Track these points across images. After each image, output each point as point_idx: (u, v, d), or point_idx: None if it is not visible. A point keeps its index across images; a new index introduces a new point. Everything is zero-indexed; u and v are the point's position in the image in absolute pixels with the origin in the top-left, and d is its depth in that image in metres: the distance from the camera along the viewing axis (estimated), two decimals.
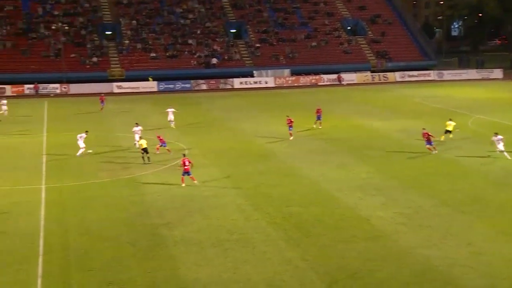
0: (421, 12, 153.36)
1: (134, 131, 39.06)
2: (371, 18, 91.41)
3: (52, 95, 70.08)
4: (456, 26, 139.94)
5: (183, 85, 74.94)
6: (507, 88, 71.65)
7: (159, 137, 37.70)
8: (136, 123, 39.79)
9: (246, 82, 77.23)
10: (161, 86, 74.14)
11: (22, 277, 20.13)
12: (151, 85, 74.17)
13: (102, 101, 56.93)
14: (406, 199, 28.12)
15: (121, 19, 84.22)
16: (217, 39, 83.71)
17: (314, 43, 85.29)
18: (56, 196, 29.33)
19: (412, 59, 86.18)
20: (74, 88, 71.85)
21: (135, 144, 38.24)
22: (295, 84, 77.97)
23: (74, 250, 22.44)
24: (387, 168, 33.84)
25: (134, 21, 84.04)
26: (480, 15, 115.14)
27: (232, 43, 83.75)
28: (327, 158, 36.52)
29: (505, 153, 34.70)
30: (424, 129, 37.57)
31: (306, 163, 35.20)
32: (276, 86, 76.89)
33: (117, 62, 78.19)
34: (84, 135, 37.70)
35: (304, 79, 78.86)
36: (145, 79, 74.72)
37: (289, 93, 71.00)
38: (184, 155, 31.47)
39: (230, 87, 76.06)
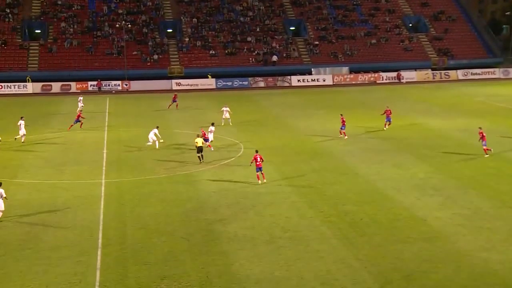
0: (488, 8, 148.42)
1: (210, 130, 39.23)
2: (434, 15, 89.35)
3: (114, 92, 71.82)
4: None
5: (240, 83, 75.47)
6: None
7: (203, 131, 37.97)
8: (212, 123, 40.32)
9: (303, 79, 77.04)
10: (219, 83, 74.92)
11: (81, 269, 20.76)
12: (209, 82, 75.07)
13: (174, 99, 57.02)
14: (465, 200, 27.40)
15: (182, 17, 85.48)
16: (276, 37, 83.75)
17: (373, 41, 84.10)
18: (115, 190, 30.09)
19: (476, 57, 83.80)
20: (135, 85, 73.47)
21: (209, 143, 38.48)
22: (353, 82, 77.14)
23: (131, 244, 22.99)
24: (446, 168, 33.04)
25: (194, 19, 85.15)
26: None
27: (291, 41, 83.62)
28: (384, 156, 35.98)
29: None
30: (480, 128, 36.27)
31: (362, 162, 34.79)
32: (334, 84, 76.29)
33: (177, 59, 79.44)
34: (155, 130, 39.34)
35: (362, 77, 77.96)
36: (204, 76, 75.68)
37: (347, 91, 70.31)
38: (256, 151, 30.91)
39: (287, 84, 76.03)
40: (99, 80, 72.23)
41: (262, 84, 75.91)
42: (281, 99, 63.66)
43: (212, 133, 39.20)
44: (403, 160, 35.07)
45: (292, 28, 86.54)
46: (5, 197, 25.77)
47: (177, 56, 79.89)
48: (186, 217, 25.88)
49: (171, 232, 24.14)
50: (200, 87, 74.29)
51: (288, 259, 21.21)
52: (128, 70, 74.69)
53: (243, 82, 75.51)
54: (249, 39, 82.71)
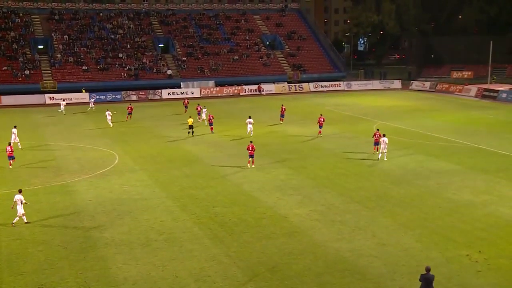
0: (332, 29, 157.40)
1: (248, 122, 44.91)
2: (288, 34, 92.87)
3: None
4: (362, 42, 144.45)
5: (114, 96, 73.30)
6: (405, 97, 74.61)
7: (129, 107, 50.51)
8: (249, 116, 45.40)
9: (173, 93, 76.53)
10: (92, 97, 72.10)
11: None
12: (83, 96, 72.06)
13: (185, 106, 59.35)
14: (320, 197, 28.58)
15: (53, 34, 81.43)
16: (146, 53, 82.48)
17: (236, 57, 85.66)
18: None
19: (324, 71, 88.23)
20: (6, 99, 68.79)
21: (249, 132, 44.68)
22: (219, 94, 77.95)
23: (6, 255, 21.37)
24: (303, 170, 34.28)
25: (66, 36, 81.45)
26: (382, 32, 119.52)
27: (160, 57, 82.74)
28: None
29: (381, 154, 36.13)
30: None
31: (229, 167, 35.13)
32: (201, 96, 76.56)
33: (49, 74, 75.42)
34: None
35: (227, 90, 79.02)
36: (78, 90, 72.60)
37: (213, 102, 70.77)
38: (251, 141, 35.15)
39: (158, 97, 75.05)
40: None
41: (134, 97, 74.29)
42: (153, 111, 62.66)
43: (250, 125, 44.78)
44: (265, 164, 35.88)
45: (161, 45, 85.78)
46: (25, 203, 24.86)
47: (49, 71, 75.84)
48: (63, 226, 24.55)
49: (48, 241, 22.77)
50: (74, 100, 71.07)
51: (164, 260, 20.85)
52: None
53: (116, 96, 73.39)
54: (120, 55, 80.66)
